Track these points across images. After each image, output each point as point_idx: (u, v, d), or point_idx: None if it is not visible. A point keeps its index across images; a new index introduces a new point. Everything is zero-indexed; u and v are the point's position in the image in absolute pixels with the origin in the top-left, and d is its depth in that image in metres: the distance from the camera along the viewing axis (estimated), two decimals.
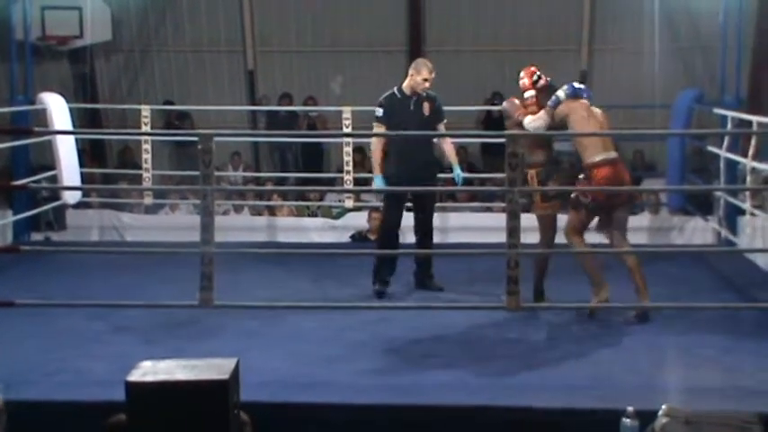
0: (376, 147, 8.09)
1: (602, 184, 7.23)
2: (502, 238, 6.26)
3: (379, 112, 8.06)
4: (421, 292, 8.13)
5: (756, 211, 10.21)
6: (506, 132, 6.84)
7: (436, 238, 10.88)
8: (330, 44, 15.86)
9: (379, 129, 8.10)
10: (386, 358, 6.37)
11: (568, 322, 7.19)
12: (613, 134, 12.70)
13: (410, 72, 8.12)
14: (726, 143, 10.20)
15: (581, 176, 7.38)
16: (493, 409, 5.48)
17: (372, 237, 10.53)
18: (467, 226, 11.37)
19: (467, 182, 13.65)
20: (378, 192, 9.24)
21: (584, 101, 7.50)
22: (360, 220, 11.66)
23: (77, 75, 15.56)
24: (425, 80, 8.04)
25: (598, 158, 7.22)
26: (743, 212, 10.27)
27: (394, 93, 8.14)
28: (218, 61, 16.07)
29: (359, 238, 11.27)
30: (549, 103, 7.44)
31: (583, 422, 5.35)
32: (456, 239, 11.02)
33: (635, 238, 11.04)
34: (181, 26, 15.92)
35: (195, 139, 6.64)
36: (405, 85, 8.15)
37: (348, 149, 10.67)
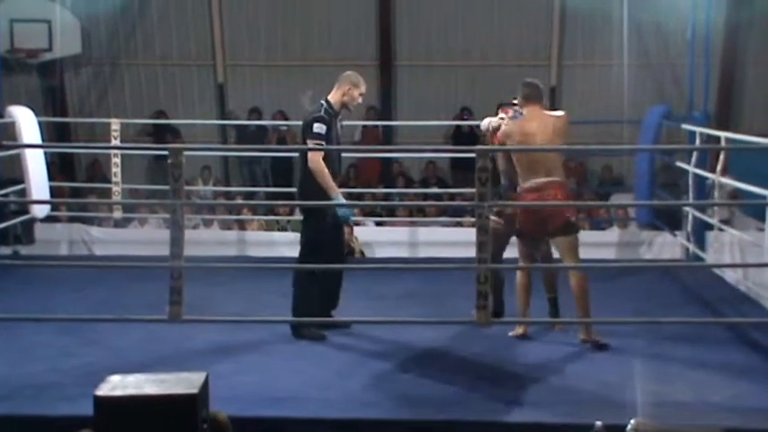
0: (321, 163, 6.95)
1: (523, 212, 7.02)
2: (472, 252, 6.25)
3: (322, 128, 6.95)
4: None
5: (724, 226, 10.28)
6: (478, 147, 6.83)
7: (405, 252, 10.97)
8: (300, 58, 15.86)
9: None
10: (355, 373, 6.35)
11: (537, 337, 7.19)
12: (583, 150, 12.82)
13: (343, 85, 7.14)
14: (694, 158, 10.25)
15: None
16: (462, 423, 5.48)
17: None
18: (436, 241, 11.38)
19: (437, 197, 13.70)
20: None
21: (532, 107, 7.12)
22: None
23: (46, 88, 15.52)
24: (361, 95, 7.20)
25: (526, 184, 6.94)
26: (711, 227, 10.33)
27: (327, 108, 7.10)
28: (188, 75, 16.04)
29: None
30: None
31: None
32: (426, 254, 11.05)
33: (603, 252, 11.15)
34: (151, 39, 15.88)
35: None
36: (334, 99, 7.14)
37: None
